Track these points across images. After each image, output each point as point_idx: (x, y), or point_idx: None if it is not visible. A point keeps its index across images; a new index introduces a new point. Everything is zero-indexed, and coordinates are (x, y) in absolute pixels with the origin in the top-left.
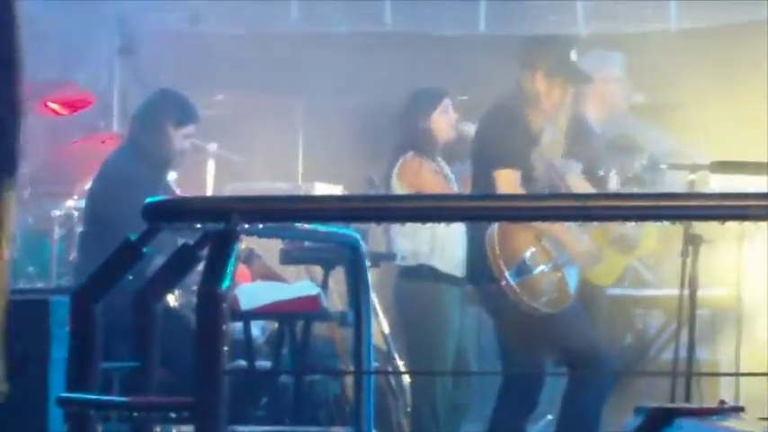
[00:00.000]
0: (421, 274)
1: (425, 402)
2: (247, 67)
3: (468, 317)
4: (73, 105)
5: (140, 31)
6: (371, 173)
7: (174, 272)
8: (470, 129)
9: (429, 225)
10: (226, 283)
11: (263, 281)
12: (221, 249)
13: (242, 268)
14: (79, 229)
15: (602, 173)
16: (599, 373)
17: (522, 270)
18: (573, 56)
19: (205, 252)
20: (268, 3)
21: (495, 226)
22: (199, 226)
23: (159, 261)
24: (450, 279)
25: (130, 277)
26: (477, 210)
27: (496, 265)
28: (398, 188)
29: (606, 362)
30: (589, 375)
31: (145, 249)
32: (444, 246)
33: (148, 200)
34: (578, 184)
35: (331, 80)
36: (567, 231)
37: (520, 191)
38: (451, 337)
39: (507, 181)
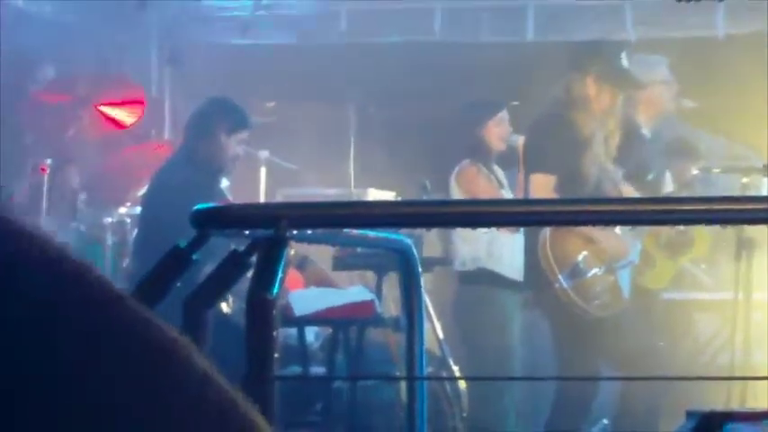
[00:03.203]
0: (480, 279)
1: (485, 408)
2: (298, 77)
3: (524, 320)
4: (126, 104)
5: (189, 42)
6: (423, 179)
7: (223, 278)
8: (519, 141)
9: (485, 230)
10: (275, 290)
11: (318, 286)
12: (270, 255)
13: (295, 274)
14: (132, 235)
15: (651, 177)
16: (653, 377)
17: (575, 273)
18: (624, 61)
19: (254, 259)
20: (318, 13)
21: (548, 230)
22: (248, 233)
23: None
24: (508, 283)
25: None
26: (522, 214)
27: (549, 268)
28: (455, 194)
29: (659, 366)
30: (643, 380)
31: (194, 256)
32: (502, 250)
33: (197, 206)
34: (629, 191)
35: (381, 88)
36: (610, 237)
37: (552, 196)
38: (514, 342)
39: (539, 185)
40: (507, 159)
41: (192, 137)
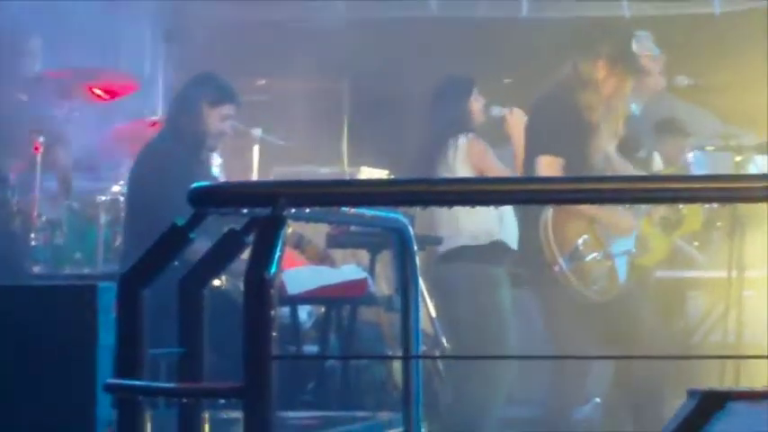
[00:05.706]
0: (494, 255)
1: (479, 385)
2: (291, 54)
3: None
4: (117, 91)
5: (184, 19)
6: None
7: (220, 257)
8: (501, 113)
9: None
10: (273, 269)
11: (316, 264)
12: (268, 234)
13: (292, 253)
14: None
15: (642, 154)
16: (648, 356)
17: (574, 256)
18: (634, 46)
19: (252, 237)
20: None
21: (550, 212)
22: (245, 211)
23: (203, 245)
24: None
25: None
26: (527, 192)
27: (550, 251)
28: (462, 170)
29: (652, 345)
30: (637, 360)
31: (192, 234)
32: (509, 224)
33: (195, 185)
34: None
35: (376, 65)
36: (615, 215)
37: None
38: (511, 320)
39: (547, 167)
40: (490, 133)
41: (174, 111)
